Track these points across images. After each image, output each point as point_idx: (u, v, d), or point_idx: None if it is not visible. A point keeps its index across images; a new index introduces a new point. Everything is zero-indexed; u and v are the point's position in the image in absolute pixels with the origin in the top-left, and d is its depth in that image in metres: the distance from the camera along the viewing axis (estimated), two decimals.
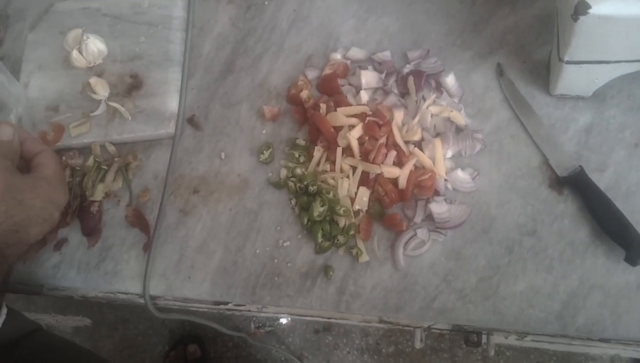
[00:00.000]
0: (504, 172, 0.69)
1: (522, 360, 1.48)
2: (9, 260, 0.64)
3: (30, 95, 0.84)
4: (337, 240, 0.70)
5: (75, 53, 0.82)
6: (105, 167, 0.80)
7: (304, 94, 0.76)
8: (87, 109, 0.82)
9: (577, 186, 0.66)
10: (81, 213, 0.79)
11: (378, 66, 0.77)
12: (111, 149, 0.81)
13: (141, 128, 0.80)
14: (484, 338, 0.87)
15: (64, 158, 0.81)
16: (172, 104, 0.80)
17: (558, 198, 0.67)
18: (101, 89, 0.81)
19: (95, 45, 0.83)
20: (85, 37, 0.82)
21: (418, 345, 0.94)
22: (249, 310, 0.79)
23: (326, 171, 0.72)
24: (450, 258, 0.68)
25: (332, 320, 1.00)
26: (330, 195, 0.70)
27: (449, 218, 0.67)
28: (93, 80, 0.81)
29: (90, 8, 0.88)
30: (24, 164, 0.71)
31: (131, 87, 0.82)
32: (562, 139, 0.69)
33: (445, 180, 0.69)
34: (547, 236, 0.66)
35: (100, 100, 0.81)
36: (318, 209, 0.70)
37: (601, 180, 0.66)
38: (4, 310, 0.74)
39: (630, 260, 0.61)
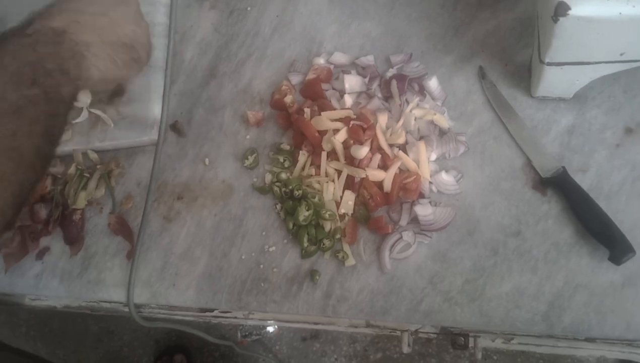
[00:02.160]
0: (488, 174, 0.70)
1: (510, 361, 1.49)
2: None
3: None
4: (323, 245, 0.70)
5: None
6: (88, 175, 0.79)
7: (288, 99, 0.76)
8: (69, 116, 0.81)
9: (561, 187, 0.67)
10: (63, 221, 0.78)
11: (361, 70, 0.77)
12: (93, 156, 0.81)
13: (124, 135, 0.79)
14: (471, 342, 0.88)
15: None
16: (155, 110, 0.79)
17: (542, 199, 0.68)
18: (83, 96, 0.80)
19: None
20: None
21: (405, 349, 0.94)
22: (235, 317, 0.79)
23: (311, 175, 0.72)
24: (436, 261, 0.68)
25: (320, 327, 1.00)
26: (316, 199, 0.70)
27: (434, 220, 0.67)
28: None
29: None
30: None
31: (113, 93, 0.81)
32: (544, 141, 0.69)
33: (430, 182, 0.69)
34: (532, 237, 0.66)
35: (82, 107, 0.80)
36: (304, 214, 0.69)
37: (584, 181, 0.67)
38: None
39: (614, 259, 0.61)
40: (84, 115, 0.80)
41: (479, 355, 0.92)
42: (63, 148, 0.80)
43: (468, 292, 0.66)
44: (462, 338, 0.83)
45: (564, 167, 0.67)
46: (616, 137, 0.68)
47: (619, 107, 0.69)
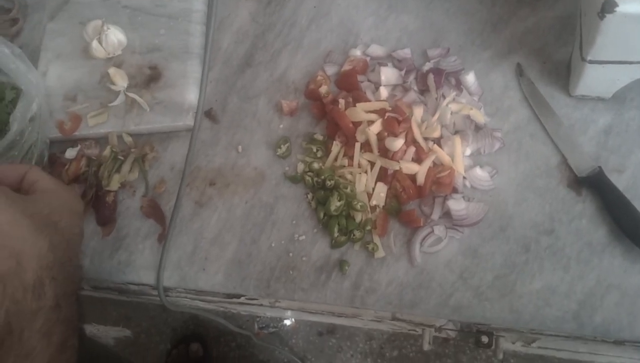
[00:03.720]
0: (522, 171, 0.69)
1: None
2: (77, 294, 0.60)
3: (48, 84, 0.84)
4: (354, 235, 0.70)
5: (95, 43, 0.82)
6: (122, 158, 0.80)
7: (323, 89, 0.76)
8: (105, 100, 0.82)
9: (596, 187, 0.66)
10: (96, 202, 0.79)
11: (398, 63, 0.77)
12: (128, 139, 0.81)
13: (159, 119, 0.80)
14: (492, 342, 0.87)
15: (80, 147, 0.81)
16: (191, 96, 0.80)
17: (576, 198, 0.67)
18: (120, 80, 0.81)
19: (115, 36, 0.83)
20: (105, 28, 0.82)
21: (426, 347, 0.94)
22: (261, 305, 0.79)
23: (344, 166, 0.72)
24: (467, 256, 0.68)
25: (337, 322, 1.00)
26: (348, 190, 0.70)
27: (467, 215, 0.67)
28: (112, 71, 0.81)
29: (111, 0, 0.88)
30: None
31: (150, 78, 0.82)
32: (581, 140, 0.69)
33: (464, 177, 0.69)
34: (565, 235, 0.66)
35: (119, 91, 0.81)
36: (335, 204, 0.70)
37: (620, 181, 0.66)
38: None
39: None
40: (121, 98, 0.81)
41: (500, 356, 0.92)
42: (99, 130, 0.81)
43: (498, 287, 0.66)
44: (487, 337, 0.83)
45: (600, 167, 0.66)
46: None
47: None
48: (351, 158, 0.72)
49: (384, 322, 0.87)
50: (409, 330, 1.04)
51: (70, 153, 0.81)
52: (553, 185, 0.68)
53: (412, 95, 0.73)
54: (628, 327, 0.62)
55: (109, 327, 1.70)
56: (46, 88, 0.83)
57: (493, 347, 0.84)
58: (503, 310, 0.65)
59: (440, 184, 0.68)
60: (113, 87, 0.81)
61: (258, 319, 1.62)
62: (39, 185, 0.62)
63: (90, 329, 1.68)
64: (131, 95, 0.80)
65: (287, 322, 1.64)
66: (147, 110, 0.80)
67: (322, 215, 0.71)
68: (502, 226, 0.68)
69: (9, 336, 0.51)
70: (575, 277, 0.65)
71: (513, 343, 1.14)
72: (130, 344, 1.73)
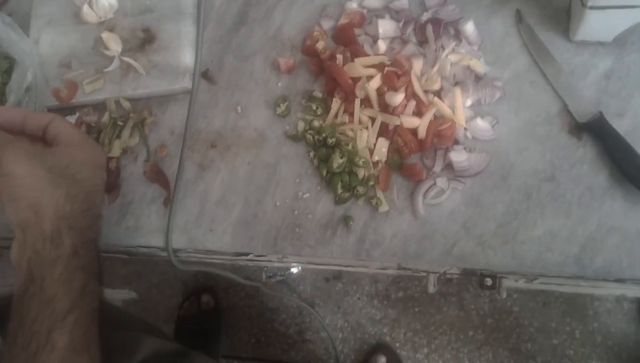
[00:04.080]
0: (523, 119, 0.70)
1: (529, 302, 1.51)
2: (96, 242, 0.63)
3: (41, 52, 0.83)
4: (357, 191, 0.71)
5: (86, 8, 0.81)
6: (121, 123, 0.80)
7: (320, 45, 0.75)
8: (100, 65, 0.81)
9: (597, 132, 0.67)
10: None
11: (395, 15, 0.76)
12: (126, 104, 0.81)
13: (156, 83, 0.79)
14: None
15: (78, 114, 0.81)
16: (186, 58, 0.79)
17: (577, 144, 0.68)
18: (114, 44, 0.80)
19: (106, 0, 0.81)
20: None
21: (431, 289, 0.96)
22: (270, 260, 0.81)
23: (345, 123, 0.72)
24: (469, 206, 0.69)
25: (343, 269, 1.02)
26: (349, 147, 0.70)
27: (469, 166, 0.68)
28: (105, 36, 0.80)
29: None
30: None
31: (144, 41, 0.81)
32: (581, 85, 0.69)
33: (465, 129, 0.69)
34: (566, 181, 0.67)
35: (114, 55, 0.80)
36: (337, 161, 0.70)
37: (621, 125, 0.66)
38: None
39: None
40: (115, 63, 0.80)
41: (504, 295, 0.94)
42: (96, 96, 0.80)
43: (501, 235, 0.67)
44: (490, 280, 0.85)
45: (600, 112, 0.66)
46: None
47: None
48: (351, 114, 0.72)
49: (390, 270, 0.89)
50: (413, 272, 1.07)
51: (70, 120, 0.81)
52: (554, 132, 0.68)
53: (411, 48, 0.72)
54: (629, 267, 0.64)
55: (117, 289, 1.74)
56: (40, 56, 0.82)
57: (497, 287, 0.86)
58: (506, 257, 0.67)
59: (441, 137, 0.68)
60: (107, 52, 0.80)
61: (265, 269, 1.65)
62: (62, 138, 0.63)
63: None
64: (126, 59, 0.79)
65: (294, 270, 1.67)
66: (143, 74, 0.79)
67: (324, 172, 0.72)
68: (503, 175, 0.69)
69: (32, 284, 0.55)
70: (576, 221, 0.66)
71: (516, 281, 1.17)
72: (140, 299, 1.77)
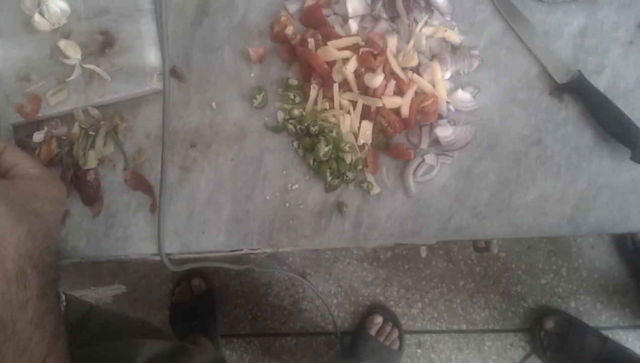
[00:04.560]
0: (504, 86, 0.69)
1: (515, 246, 1.55)
2: (57, 281, 0.60)
3: None
4: (346, 177, 0.70)
5: (37, 17, 0.76)
6: (93, 133, 0.77)
7: (289, 30, 0.73)
8: (61, 74, 0.77)
9: (577, 91, 0.67)
10: (78, 183, 0.77)
11: None
12: (95, 112, 0.78)
13: (123, 87, 0.76)
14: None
15: (46, 128, 0.78)
16: (151, 57, 0.76)
17: (559, 105, 0.68)
18: (72, 52, 0.76)
19: (57, 5, 0.77)
20: None
21: (423, 255, 0.97)
22: (265, 252, 0.80)
23: (325, 109, 0.71)
24: (460, 179, 0.69)
25: None
26: (334, 134, 0.69)
27: (455, 140, 0.67)
28: (62, 44, 0.76)
29: None
30: None
31: (103, 45, 0.77)
32: (557, 45, 0.69)
33: (447, 102, 0.69)
34: (552, 144, 0.67)
35: (74, 64, 0.76)
36: (323, 149, 0.69)
37: (600, 82, 0.67)
38: (63, 297, 0.72)
39: (637, 158, 0.63)
40: (77, 71, 0.77)
41: (495, 250, 0.96)
42: (62, 108, 0.77)
43: (495, 204, 0.68)
44: (483, 242, 0.87)
45: (579, 71, 0.67)
46: (629, 34, 0.67)
47: (629, 3, 0.68)
48: (331, 99, 0.71)
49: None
50: None
51: (38, 136, 0.78)
52: (535, 96, 0.68)
53: (384, 25, 0.70)
54: (621, 221, 0.65)
55: (106, 286, 1.72)
56: None
57: (489, 249, 0.88)
58: (502, 225, 0.68)
59: (425, 113, 0.68)
60: (67, 61, 0.76)
61: None
62: (20, 170, 0.60)
63: (90, 294, 1.69)
64: (88, 66, 0.76)
65: None
66: (108, 79, 0.76)
67: (311, 161, 0.71)
68: (490, 144, 0.69)
69: (2, 329, 0.52)
70: (566, 183, 0.67)
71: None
72: (130, 291, 1.75)
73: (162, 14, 0.72)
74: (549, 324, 1.46)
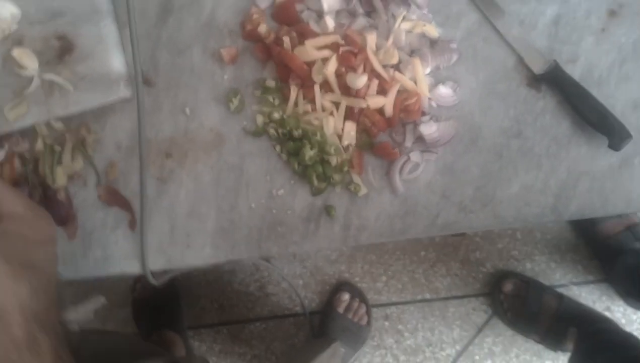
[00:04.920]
0: (482, 79, 0.70)
1: None
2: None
3: None
4: (333, 179, 0.69)
5: None
6: (59, 148, 0.73)
7: (262, 29, 0.70)
8: (18, 86, 0.72)
9: (554, 81, 0.68)
10: (48, 203, 0.72)
11: None
12: (58, 125, 0.73)
13: (88, 97, 0.72)
14: None
15: (7, 146, 0.73)
16: (115, 63, 0.72)
17: (537, 95, 0.69)
18: (29, 61, 0.71)
19: (6, 9, 0.71)
20: None
21: None
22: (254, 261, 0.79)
23: (307, 112, 0.69)
24: (445, 175, 0.70)
25: None
26: (318, 137, 0.68)
27: (440, 136, 0.68)
28: (16, 53, 0.70)
29: None
30: None
31: (61, 51, 0.72)
32: (532, 35, 0.69)
33: (429, 98, 0.69)
34: (532, 135, 0.69)
35: (32, 75, 0.71)
36: (309, 153, 0.68)
37: (575, 71, 0.68)
38: None
39: (614, 146, 0.65)
40: (36, 82, 0.71)
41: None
42: (23, 123, 0.72)
43: (480, 198, 0.69)
44: None
45: (555, 61, 0.68)
46: (601, 22, 0.69)
47: None
48: (312, 101, 0.69)
49: None
50: None
51: None
52: (513, 87, 0.69)
53: (362, 21, 0.69)
54: (601, 207, 0.68)
55: (86, 302, 1.65)
56: None
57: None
58: (487, 218, 0.69)
59: (408, 112, 0.67)
60: (24, 72, 0.71)
61: None
62: (4, 210, 0.55)
63: (73, 315, 1.63)
64: (48, 76, 0.71)
65: None
66: (71, 89, 0.71)
67: (296, 166, 0.70)
68: (472, 138, 0.69)
69: None
70: (547, 172, 0.68)
71: None
72: (88, 293, 1.70)
73: (130, 13, 0.67)
74: (508, 287, 1.52)
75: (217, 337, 1.65)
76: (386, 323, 1.62)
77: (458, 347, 1.60)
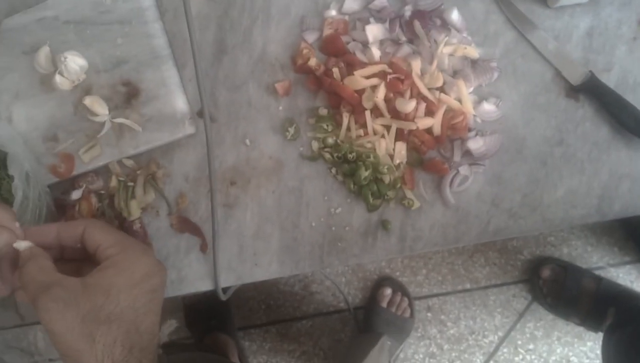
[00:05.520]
0: (523, 93, 0.74)
1: None
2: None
3: (19, 130, 0.79)
4: (387, 196, 0.75)
5: (58, 78, 0.76)
6: (132, 183, 0.79)
7: (312, 62, 0.75)
8: (90, 130, 0.78)
9: (591, 91, 0.72)
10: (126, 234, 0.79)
11: (377, 14, 0.76)
12: (129, 163, 0.80)
13: (156, 136, 0.78)
14: None
15: (84, 186, 0.79)
16: (179, 103, 0.78)
17: (576, 105, 0.73)
18: (100, 108, 0.77)
19: (75, 63, 0.77)
20: (62, 58, 0.76)
21: None
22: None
23: (360, 136, 0.74)
24: (494, 184, 0.74)
25: None
26: (371, 158, 0.73)
27: (486, 150, 0.72)
28: (88, 101, 0.76)
29: (47, 18, 0.80)
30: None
31: (128, 95, 0.78)
32: (568, 48, 0.73)
33: (474, 115, 0.73)
34: (574, 142, 0.73)
35: (103, 120, 0.77)
36: (364, 174, 0.73)
37: (610, 79, 0.72)
38: None
39: None
40: (107, 126, 0.78)
41: None
42: (97, 164, 0.78)
43: (528, 204, 0.74)
44: None
45: (591, 71, 0.72)
46: (632, 31, 0.73)
47: (629, 0, 0.73)
48: (363, 125, 0.74)
49: None
50: None
51: (77, 194, 0.79)
52: (553, 99, 0.74)
53: (406, 49, 0.74)
54: None
55: (162, 327, 1.74)
56: (20, 135, 0.78)
57: None
58: (536, 222, 0.74)
59: (455, 129, 0.72)
60: (96, 119, 0.77)
61: None
62: (100, 253, 0.60)
63: None
64: (118, 120, 0.77)
65: None
66: (139, 130, 0.78)
67: (352, 186, 0.75)
68: (517, 148, 0.74)
69: None
70: (590, 176, 0.73)
71: None
72: None
73: (195, 58, 0.72)
74: (546, 272, 1.56)
75: (267, 336, 1.72)
76: (429, 314, 1.67)
77: (500, 333, 1.65)
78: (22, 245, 0.60)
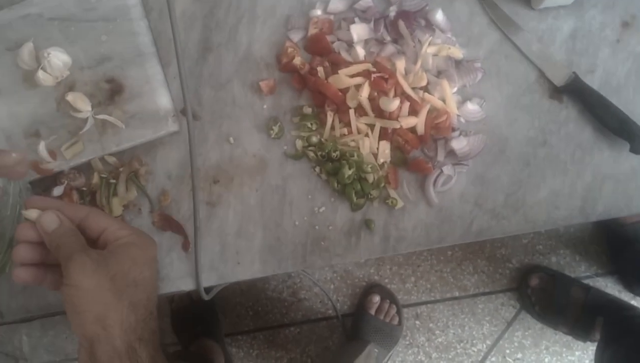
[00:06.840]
0: (507, 93, 0.74)
1: None
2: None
3: (1, 126, 0.78)
4: (371, 195, 0.74)
5: (41, 73, 0.76)
6: (114, 180, 0.78)
7: (297, 61, 0.75)
8: (72, 126, 0.78)
9: (575, 92, 0.72)
10: None
11: (362, 14, 0.76)
12: (112, 160, 0.79)
13: (139, 133, 0.77)
14: None
15: (66, 183, 0.78)
16: (162, 100, 0.77)
17: (559, 106, 0.74)
18: (82, 104, 0.77)
19: (59, 59, 0.76)
20: (45, 54, 0.75)
21: None
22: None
23: (344, 135, 0.74)
24: (477, 184, 0.74)
25: None
26: (355, 157, 0.73)
27: (470, 150, 0.72)
28: (71, 97, 0.76)
29: (31, 14, 0.79)
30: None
31: (111, 92, 0.78)
32: (551, 50, 0.74)
33: (457, 115, 0.73)
34: (557, 143, 0.73)
35: (86, 116, 0.77)
36: (347, 173, 0.73)
37: (593, 81, 0.73)
38: None
39: (635, 149, 0.69)
40: (90, 122, 0.77)
41: None
42: (79, 160, 0.78)
43: (511, 204, 0.74)
44: None
45: (574, 73, 0.72)
46: (615, 33, 0.73)
47: (613, 3, 0.73)
48: (347, 124, 0.74)
49: None
50: None
51: (58, 190, 0.78)
52: (537, 100, 0.74)
53: (390, 48, 0.74)
54: (625, 207, 0.72)
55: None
56: (2, 131, 0.78)
57: None
58: (519, 223, 0.74)
59: (439, 129, 0.72)
60: (79, 115, 0.77)
61: None
62: (110, 235, 0.62)
63: None
64: (101, 117, 0.76)
65: None
66: (123, 127, 0.77)
67: (336, 184, 0.75)
68: (501, 149, 0.74)
69: None
70: (573, 177, 0.73)
71: None
72: None
73: (178, 56, 0.72)
74: (534, 281, 1.56)
75: (254, 343, 1.70)
76: (417, 322, 1.66)
77: (488, 342, 1.64)
78: (32, 214, 0.61)
